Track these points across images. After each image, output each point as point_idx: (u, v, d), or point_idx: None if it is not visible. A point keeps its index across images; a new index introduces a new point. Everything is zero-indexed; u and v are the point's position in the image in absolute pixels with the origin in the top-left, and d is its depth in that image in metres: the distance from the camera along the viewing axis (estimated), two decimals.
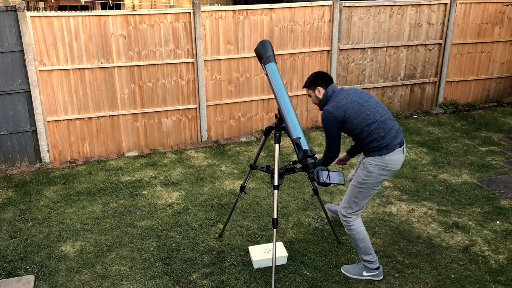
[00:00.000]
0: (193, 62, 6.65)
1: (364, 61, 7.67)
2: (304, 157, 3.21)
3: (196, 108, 6.88)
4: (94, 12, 6.36)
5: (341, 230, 4.42)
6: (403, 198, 5.16)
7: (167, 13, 6.39)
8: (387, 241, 4.33)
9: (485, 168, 5.89)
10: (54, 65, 6.05)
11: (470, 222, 4.62)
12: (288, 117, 3.45)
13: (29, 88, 5.98)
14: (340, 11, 7.19)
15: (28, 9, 6.12)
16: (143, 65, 6.43)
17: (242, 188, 4.13)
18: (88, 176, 5.86)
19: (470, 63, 8.41)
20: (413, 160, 6.19)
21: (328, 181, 3.00)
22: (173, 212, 4.94)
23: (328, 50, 7.35)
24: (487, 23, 8.21)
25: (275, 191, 3.58)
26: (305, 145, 3.27)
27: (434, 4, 7.74)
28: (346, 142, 6.36)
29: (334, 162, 3.85)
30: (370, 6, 7.38)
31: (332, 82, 3.66)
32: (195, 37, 6.53)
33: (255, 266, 3.98)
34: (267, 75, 3.63)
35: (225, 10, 6.63)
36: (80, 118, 6.36)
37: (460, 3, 7.86)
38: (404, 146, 3.61)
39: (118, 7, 15.79)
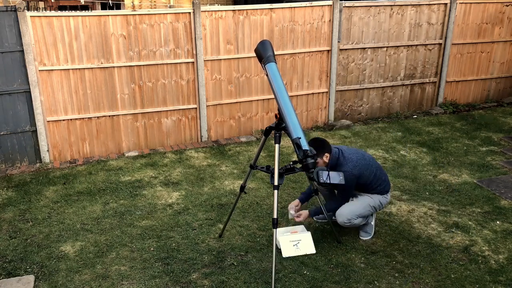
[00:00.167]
0: (193, 62, 6.65)
1: (364, 61, 7.67)
2: (304, 157, 3.21)
3: (196, 108, 6.88)
4: (94, 12, 6.36)
5: (341, 230, 4.42)
6: (403, 198, 5.16)
7: (167, 13, 6.39)
8: (387, 241, 4.33)
9: (485, 168, 5.89)
10: (54, 65, 6.05)
11: (470, 222, 4.62)
12: (288, 117, 3.44)
13: (29, 88, 5.99)
14: (340, 11, 7.19)
15: (28, 9, 6.13)
16: (143, 65, 6.43)
17: (242, 188, 4.13)
18: (88, 176, 5.86)
19: (470, 63, 8.41)
20: (413, 160, 6.19)
21: (328, 181, 3.00)
22: (173, 212, 4.94)
23: (328, 50, 7.35)
24: (487, 23, 8.22)
25: (275, 191, 3.58)
26: (305, 145, 3.27)
27: (434, 4, 7.74)
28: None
29: (289, 208, 4.33)
30: (370, 6, 7.38)
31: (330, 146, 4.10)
32: (195, 37, 6.53)
33: (285, 255, 4.14)
34: (267, 75, 3.62)
35: (225, 10, 6.63)
36: (80, 118, 6.36)
37: (460, 3, 7.86)
38: None
39: (118, 7, 15.78)
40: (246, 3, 15.26)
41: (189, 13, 6.45)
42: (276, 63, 3.65)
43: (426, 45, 7.96)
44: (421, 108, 8.38)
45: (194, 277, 3.87)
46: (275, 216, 3.57)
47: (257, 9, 6.78)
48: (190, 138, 7.02)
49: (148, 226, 4.65)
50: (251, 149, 6.71)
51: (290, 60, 7.17)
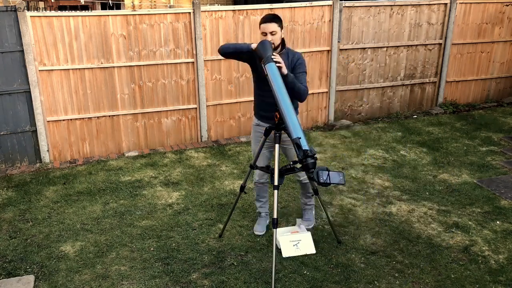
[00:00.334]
0: (193, 62, 6.65)
1: (364, 61, 7.67)
2: (304, 157, 3.21)
3: (196, 108, 6.88)
4: (94, 12, 6.37)
5: (341, 230, 4.42)
6: (403, 198, 5.16)
7: (167, 13, 6.39)
8: (387, 241, 4.33)
9: (485, 168, 5.89)
10: (54, 65, 6.05)
11: (470, 222, 4.62)
12: (288, 117, 3.44)
13: (29, 88, 5.99)
14: (340, 11, 7.19)
15: (28, 9, 6.13)
16: (143, 65, 6.43)
17: (242, 188, 4.13)
18: (88, 176, 5.86)
19: (470, 63, 8.41)
20: (413, 160, 6.19)
21: (328, 181, 3.00)
22: (173, 212, 4.94)
23: (328, 50, 7.35)
24: (487, 23, 8.22)
25: (275, 191, 3.58)
26: (305, 145, 3.27)
27: (434, 4, 7.74)
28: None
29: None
30: (370, 6, 7.38)
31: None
32: (195, 37, 6.53)
33: (285, 256, 4.11)
34: (267, 75, 3.63)
35: (225, 10, 6.63)
36: (80, 118, 6.36)
37: (460, 3, 7.86)
38: None
39: (118, 7, 15.79)
40: (246, 3, 15.26)
41: (189, 13, 6.45)
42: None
43: (426, 45, 7.96)
44: (421, 108, 8.38)
45: (194, 277, 3.87)
46: (275, 216, 3.57)
47: (257, 9, 6.78)
48: (190, 138, 7.02)
49: (148, 226, 4.65)
50: (251, 149, 6.70)
51: None
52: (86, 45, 6.11)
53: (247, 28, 6.78)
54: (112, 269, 3.99)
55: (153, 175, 5.86)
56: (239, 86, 7.01)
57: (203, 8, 6.48)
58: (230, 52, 3.90)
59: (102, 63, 6.24)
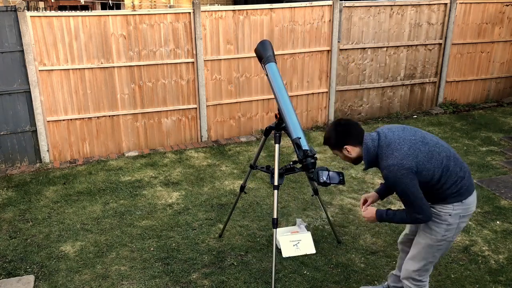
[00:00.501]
0: (193, 62, 6.65)
1: (364, 61, 7.67)
2: (304, 157, 3.21)
3: (196, 108, 6.88)
4: (94, 12, 6.37)
5: (341, 230, 4.42)
6: None
7: (167, 13, 6.39)
8: (387, 241, 4.33)
9: (485, 168, 5.89)
10: (54, 65, 6.05)
11: (470, 222, 4.62)
12: (288, 117, 3.44)
13: (29, 88, 5.98)
14: (340, 11, 7.19)
15: (28, 9, 6.12)
16: (143, 65, 6.43)
17: (242, 188, 4.13)
18: (88, 176, 5.86)
19: (470, 63, 8.41)
20: None
21: (328, 181, 3.00)
22: (173, 212, 4.93)
23: (328, 50, 7.35)
24: (487, 23, 8.21)
25: (275, 191, 3.58)
26: (305, 145, 3.26)
27: (434, 4, 7.74)
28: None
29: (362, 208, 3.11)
30: (370, 6, 7.38)
31: (363, 132, 2.83)
32: (195, 37, 6.53)
33: (285, 255, 4.11)
34: (267, 75, 3.63)
35: (225, 10, 6.63)
36: (80, 118, 6.36)
37: (460, 3, 7.86)
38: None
39: (118, 7, 15.78)
40: (246, 3, 15.26)
41: (189, 13, 6.45)
42: (276, 63, 3.65)
43: (426, 45, 7.95)
44: (421, 108, 8.38)
45: (194, 277, 3.87)
46: (275, 216, 3.57)
47: (257, 9, 6.78)
48: (190, 138, 7.02)
49: (148, 226, 4.65)
50: (251, 149, 6.71)
51: (290, 60, 7.17)
52: (86, 45, 6.11)
53: (247, 28, 6.78)
54: (112, 269, 3.99)
55: (153, 175, 5.86)
56: (239, 86, 7.01)
57: (203, 8, 6.48)
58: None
59: (102, 63, 6.24)
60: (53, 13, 6.14)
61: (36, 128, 6.16)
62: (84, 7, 15.68)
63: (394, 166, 2.66)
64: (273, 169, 3.64)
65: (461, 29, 8.07)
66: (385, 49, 7.72)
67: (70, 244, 4.38)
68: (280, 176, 3.65)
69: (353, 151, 2.84)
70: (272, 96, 7.00)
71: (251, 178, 5.60)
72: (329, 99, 7.61)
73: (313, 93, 7.49)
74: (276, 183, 3.58)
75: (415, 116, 8.07)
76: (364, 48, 7.58)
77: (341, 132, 2.85)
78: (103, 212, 4.96)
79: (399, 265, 3.37)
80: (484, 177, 5.63)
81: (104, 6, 15.54)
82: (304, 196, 5.21)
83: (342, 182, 3.14)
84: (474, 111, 8.29)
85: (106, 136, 6.56)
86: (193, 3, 6.41)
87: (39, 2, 16.16)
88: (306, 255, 4.12)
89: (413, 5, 7.62)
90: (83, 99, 6.30)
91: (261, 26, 6.85)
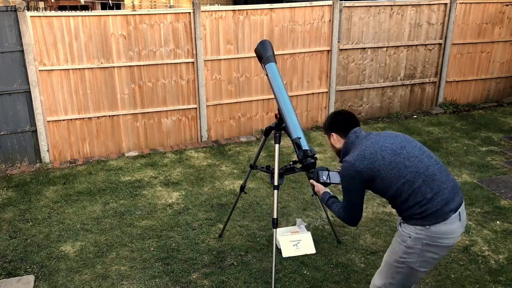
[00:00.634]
0: (193, 62, 6.65)
1: (364, 61, 7.67)
2: (304, 157, 3.20)
3: (196, 108, 6.88)
4: (94, 12, 6.37)
5: (341, 230, 4.42)
6: None
7: (167, 13, 6.39)
8: (387, 241, 4.33)
9: (485, 168, 5.89)
10: (54, 65, 6.05)
11: (470, 222, 4.62)
12: (288, 117, 3.44)
13: (29, 88, 5.98)
14: (340, 11, 7.19)
15: (28, 9, 6.13)
16: (143, 65, 6.43)
17: (242, 188, 4.13)
18: (88, 176, 5.86)
19: (470, 63, 8.41)
20: None
21: (328, 181, 3.00)
22: (173, 212, 4.93)
23: (328, 50, 7.35)
24: (487, 23, 8.21)
25: (275, 191, 3.58)
26: (305, 145, 3.26)
27: (434, 4, 7.74)
28: None
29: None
30: (370, 6, 7.38)
31: (355, 125, 2.79)
32: (195, 37, 6.53)
33: (285, 255, 4.11)
34: (267, 75, 3.63)
35: (225, 10, 6.63)
36: (80, 118, 6.36)
37: (460, 3, 7.86)
38: (462, 209, 2.59)
39: (118, 7, 15.78)
40: (246, 3, 15.26)
41: (189, 13, 6.45)
42: (276, 63, 3.65)
43: (426, 45, 7.95)
44: (421, 108, 8.38)
45: (194, 277, 3.87)
46: (275, 216, 3.57)
47: (257, 9, 6.78)
48: (190, 138, 7.02)
49: (148, 226, 4.65)
50: (251, 149, 6.71)
51: (290, 60, 7.17)
52: (86, 45, 6.11)
53: (247, 28, 6.78)
54: (112, 269, 3.99)
55: (153, 175, 5.86)
56: (239, 86, 7.01)
57: (203, 8, 6.48)
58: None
59: (102, 63, 6.24)
60: (53, 13, 6.14)
61: (36, 128, 6.16)
62: (84, 7, 15.68)
63: (347, 163, 2.62)
64: (273, 169, 3.64)
65: (461, 29, 8.07)
66: (385, 49, 7.72)
67: (70, 244, 4.38)
68: (280, 176, 3.65)
69: (338, 141, 2.82)
70: (272, 96, 7.00)
71: (251, 178, 5.60)
72: (329, 99, 7.61)
73: (313, 93, 7.49)
74: (276, 183, 3.58)
75: (415, 116, 8.07)
76: (364, 48, 7.58)
77: (335, 119, 2.87)
78: (103, 212, 4.96)
79: None
80: (484, 177, 5.63)
81: (104, 6, 15.54)
82: (304, 196, 5.22)
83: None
84: (474, 111, 8.29)
85: (106, 136, 6.56)
86: (193, 3, 6.41)
87: (39, 2, 16.17)
88: (306, 255, 4.12)
89: (413, 5, 7.62)
90: (83, 99, 6.30)
91: (261, 26, 6.85)
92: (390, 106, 8.13)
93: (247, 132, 7.30)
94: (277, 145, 3.64)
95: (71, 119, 6.32)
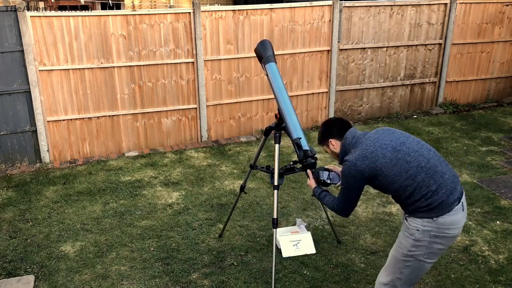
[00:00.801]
0: (193, 62, 6.65)
1: (364, 61, 7.67)
2: (304, 157, 3.21)
3: (196, 108, 6.88)
4: (94, 12, 6.37)
5: (341, 230, 4.41)
6: None
7: (167, 13, 6.39)
8: (387, 241, 4.33)
9: (485, 168, 5.89)
10: (54, 65, 6.05)
11: (470, 222, 4.62)
12: (288, 117, 3.44)
13: (29, 88, 5.98)
14: (340, 11, 7.19)
15: (28, 9, 6.13)
16: (143, 65, 6.43)
17: (242, 188, 4.13)
18: (88, 176, 5.86)
19: (470, 63, 8.41)
20: None
21: (329, 181, 3.00)
22: (173, 212, 4.93)
23: (328, 50, 7.35)
24: (487, 23, 8.21)
25: (275, 191, 3.58)
26: (305, 145, 3.26)
27: (434, 4, 7.74)
28: None
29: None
30: (370, 6, 7.38)
31: (349, 126, 2.85)
32: (195, 37, 6.53)
33: (285, 255, 4.11)
34: (267, 75, 3.62)
35: (225, 10, 6.63)
36: (80, 118, 6.36)
37: (460, 3, 7.86)
38: (463, 199, 2.66)
39: (118, 7, 15.78)
40: (246, 3, 15.26)
41: (189, 13, 6.45)
42: (276, 63, 3.65)
43: (426, 45, 7.95)
44: (421, 108, 8.38)
45: (194, 277, 3.87)
46: (275, 216, 3.57)
47: (257, 9, 6.78)
48: (190, 138, 7.02)
49: (148, 226, 4.65)
50: (251, 149, 6.71)
51: (290, 60, 7.17)
52: (86, 45, 6.11)
53: (247, 28, 6.78)
54: (112, 269, 3.99)
55: (153, 175, 5.86)
56: (239, 86, 7.01)
57: (203, 8, 6.48)
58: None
59: (102, 63, 6.24)
60: (53, 13, 6.14)
61: (36, 128, 6.16)
62: (84, 7, 15.68)
63: (348, 163, 2.65)
64: (273, 169, 3.64)
65: (461, 29, 8.07)
66: (385, 49, 7.72)
67: (70, 244, 4.38)
68: (280, 176, 3.65)
69: (337, 145, 2.85)
70: (272, 96, 7.00)
71: (251, 178, 5.60)
72: (329, 99, 7.61)
73: (313, 93, 7.49)
74: (276, 183, 3.58)
75: (415, 116, 8.07)
76: (364, 48, 7.58)
77: (328, 125, 2.92)
78: (103, 212, 4.96)
79: None
80: (484, 177, 5.63)
81: (104, 6, 15.54)
82: (304, 196, 5.22)
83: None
84: (474, 111, 8.29)
85: (106, 136, 6.56)
86: (193, 3, 6.41)
87: (39, 2, 16.16)
88: (306, 255, 4.12)
89: (413, 5, 7.62)
90: (83, 99, 6.30)
91: (261, 26, 6.85)
92: (390, 106, 8.13)
93: (247, 132, 7.30)
94: (277, 145, 3.64)
95: (71, 119, 6.32)
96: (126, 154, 6.56)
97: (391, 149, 2.61)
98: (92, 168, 6.10)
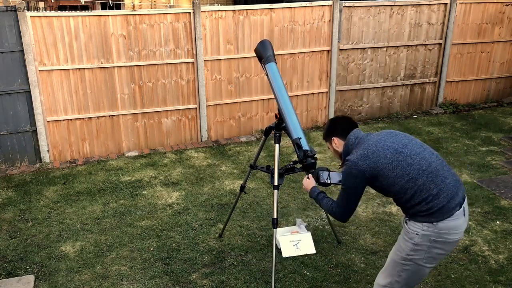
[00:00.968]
0: (193, 62, 6.65)
1: (364, 61, 7.67)
2: (304, 157, 3.20)
3: (196, 108, 6.88)
4: (94, 12, 6.37)
5: (341, 230, 4.41)
6: None
7: (167, 13, 6.39)
8: (387, 241, 4.33)
9: (485, 168, 5.89)
10: (54, 65, 6.05)
11: (470, 222, 4.62)
12: (288, 117, 3.44)
13: (29, 88, 5.98)
14: (340, 11, 7.19)
15: (28, 9, 6.12)
16: (143, 65, 6.43)
17: (242, 188, 4.13)
18: (88, 176, 5.86)
19: (470, 63, 8.41)
20: None
21: (329, 181, 2.99)
22: (173, 212, 4.93)
23: (328, 50, 7.35)
24: (487, 23, 8.21)
25: (275, 191, 3.58)
26: (305, 145, 3.26)
27: (434, 4, 7.74)
28: None
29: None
30: (370, 6, 7.38)
31: (354, 127, 2.84)
32: (195, 37, 6.53)
33: (285, 255, 4.11)
34: (267, 75, 3.62)
35: (225, 10, 6.63)
36: (80, 118, 6.36)
37: (460, 3, 7.86)
38: (465, 204, 2.63)
39: (118, 7, 15.78)
40: (246, 3, 15.26)
41: (189, 13, 6.45)
42: (276, 63, 3.65)
43: (426, 45, 7.95)
44: (421, 108, 8.38)
45: (194, 277, 3.87)
46: (275, 216, 3.57)
47: (257, 9, 6.78)
48: (190, 138, 7.02)
49: (148, 226, 4.65)
50: (251, 149, 6.71)
51: (290, 60, 7.17)
52: (86, 45, 6.11)
53: (247, 28, 6.78)
54: (112, 269, 3.99)
55: (153, 175, 5.86)
56: (239, 86, 7.01)
57: (203, 8, 6.48)
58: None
59: (102, 63, 6.24)
60: (53, 13, 6.14)
61: (36, 128, 6.16)
62: (84, 7, 15.68)
63: (350, 162, 2.65)
64: (273, 169, 3.64)
65: (461, 29, 8.07)
66: (385, 49, 7.72)
67: (70, 244, 4.38)
68: (280, 176, 3.65)
69: (339, 144, 2.85)
70: (272, 96, 7.00)
71: (251, 178, 5.60)
72: (329, 99, 7.61)
73: (313, 93, 7.49)
74: (276, 183, 3.58)
75: (415, 116, 8.07)
76: (364, 48, 7.58)
77: (335, 123, 2.91)
78: (103, 212, 4.96)
79: None
80: (484, 177, 5.63)
81: (104, 6, 15.54)
82: (304, 196, 5.22)
83: (342, 182, 3.13)
84: (474, 111, 8.29)
85: (106, 136, 6.56)
86: (193, 3, 6.41)
87: (39, 2, 16.16)
88: (306, 255, 4.12)
89: (413, 5, 7.62)
90: (83, 99, 6.30)
91: (261, 26, 6.85)
92: (390, 106, 8.13)
93: (247, 132, 7.30)
94: (277, 145, 3.64)
95: (71, 119, 6.32)
96: (126, 154, 6.56)
97: (393, 151, 2.61)
98: (92, 168, 6.10)
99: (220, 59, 6.78)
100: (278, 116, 3.61)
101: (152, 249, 4.26)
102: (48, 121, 6.21)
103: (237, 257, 4.12)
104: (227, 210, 4.89)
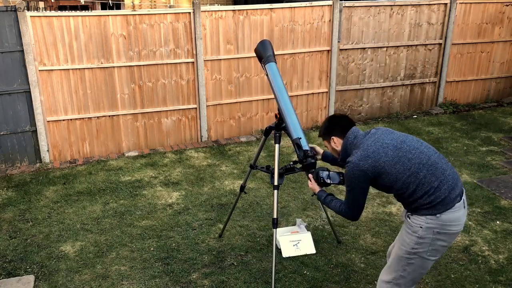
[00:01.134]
0: (193, 62, 6.65)
1: (364, 61, 7.67)
2: (304, 157, 3.20)
3: (196, 108, 6.88)
4: (94, 12, 6.37)
5: (341, 230, 4.41)
6: None
7: (167, 13, 6.39)
8: (387, 241, 4.33)
9: (485, 168, 5.89)
10: (54, 65, 6.05)
11: (470, 222, 4.62)
12: (288, 117, 3.44)
13: (29, 88, 5.98)
14: (340, 11, 7.19)
15: (28, 9, 6.13)
16: (143, 65, 6.43)
17: (242, 188, 4.13)
18: (88, 176, 5.86)
19: (470, 63, 8.41)
20: None
21: (329, 181, 3.00)
22: (173, 212, 4.93)
23: (328, 50, 7.35)
24: (487, 23, 8.21)
25: (275, 191, 3.58)
26: (305, 145, 3.26)
27: (434, 4, 7.74)
28: None
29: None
30: (370, 6, 7.38)
31: (352, 125, 2.86)
32: (195, 37, 6.53)
33: (285, 255, 4.11)
34: (267, 75, 3.62)
35: (225, 10, 6.63)
36: (80, 118, 6.36)
37: (460, 3, 7.86)
38: (464, 196, 2.72)
39: (118, 7, 15.78)
40: (246, 3, 15.26)
41: (189, 13, 6.45)
42: (276, 63, 3.65)
43: (426, 45, 7.95)
44: (421, 108, 8.38)
45: (194, 277, 3.87)
46: (275, 216, 3.57)
47: (257, 9, 6.78)
48: (190, 138, 7.02)
49: (148, 226, 4.65)
50: (251, 149, 6.71)
51: (290, 60, 7.17)
52: (86, 45, 6.11)
53: (247, 28, 6.78)
54: (112, 269, 3.99)
55: (153, 175, 5.86)
56: (239, 86, 7.01)
57: (203, 8, 6.48)
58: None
59: (102, 63, 6.24)
60: (53, 13, 6.14)
61: (36, 128, 6.16)
62: (84, 7, 15.68)
63: (351, 164, 2.68)
64: (273, 169, 3.64)
65: (461, 29, 8.07)
66: (385, 49, 7.72)
67: (70, 244, 4.38)
68: (280, 176, 3.65)
69: (338, 143, 2.89)
70: (272, 96, 7.00)
71: (251, 178, 5.60)
72: (329, 99, 7.61)
73: (313, 93, 7.49)
74: (276, 183, 3.58)
75: (415, 116, 8.07)
76: (364, 48, 7.58)
77: (332, 122, 2.93)
78: (103, 212, 4.96)
79: None
80: (484, 177, 5.63)
81: (104, 6, 15.54)
82: (304, 196, 5.22)
83: (342, 182, 3.13)
84: (474, 111, 8.29)
85: (106, 136, 6.56)
86: (193, 3, 6.41)
87: (39, 2, 16.17)
88: (306, 255, 4.12)
89: (413, 5, 7.62)
90: (83, 99, 6.30)
91: (261, 26, 6.85)
92: (390, 106, 8.13)
93: (247, 132, 7.30)
94: (277, 145, 3.64)
95: (71, 119, 6.32)
96: (126, 154, 6.56)
97: (393, 148, 2.66)
98: (92, 168, 6.10)
99: (220, 59, 6.78)
100: (278, 116, 3.61)
101: (152, 249, 4.26)
102: (48, 121, 6.21)
103: (237, 257, 4.12)
104: (227, 210, 4.89)
